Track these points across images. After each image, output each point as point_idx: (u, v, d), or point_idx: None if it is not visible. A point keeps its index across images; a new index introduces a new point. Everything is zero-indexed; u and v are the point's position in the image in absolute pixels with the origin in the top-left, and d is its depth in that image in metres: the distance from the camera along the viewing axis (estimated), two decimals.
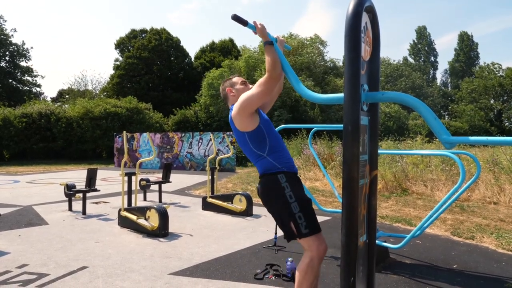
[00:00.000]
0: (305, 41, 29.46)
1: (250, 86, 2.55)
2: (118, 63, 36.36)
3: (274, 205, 2.34)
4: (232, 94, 2.55)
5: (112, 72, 36.26)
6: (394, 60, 50.43)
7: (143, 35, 36.73)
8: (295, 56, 27.40)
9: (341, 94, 1.69)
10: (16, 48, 34.60)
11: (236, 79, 2.61)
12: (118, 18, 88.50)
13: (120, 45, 37.28)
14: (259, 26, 2.21)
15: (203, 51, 39.12)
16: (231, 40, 39.30)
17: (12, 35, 34.63)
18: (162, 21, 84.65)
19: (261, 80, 2.25)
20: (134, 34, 37.15)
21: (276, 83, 2.24)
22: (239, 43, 43.91)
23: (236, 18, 2.14)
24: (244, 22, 2.17)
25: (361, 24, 1.63)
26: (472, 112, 40.14)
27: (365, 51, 1.86)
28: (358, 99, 1.62)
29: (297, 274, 2.28)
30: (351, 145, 1.63)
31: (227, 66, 26.59)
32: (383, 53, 58.07)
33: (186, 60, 37.41)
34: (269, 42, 2.21)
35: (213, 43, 39.33)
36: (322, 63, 30.56)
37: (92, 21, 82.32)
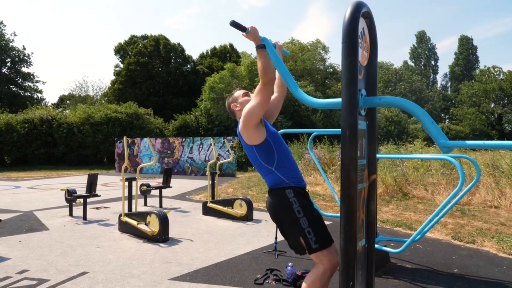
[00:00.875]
0: (308, 46, 29.53)
1: (252, 95, 2.54)
2: (118, 69, 36.49)
3: (283, 220, 2.31)
4: (238, 108, 2.53)
5: (113, 77, 36.41)
6: (393, 65, 50.55)
7: (144, 40, 36.91)
8: (296, 61, 27.48)
9: (339, 99, 1.70)
10: (17, 54, 34.75)
11: (237, 93, 2.59)
12: (119, 23, 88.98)
13: (120, 50, 37.46)
14: (249, 28, 2.20)
15: (202, 56, 39.30)
16: (231, 45, 39.48)
17: (12, 39, 34.80)
18: (162, 26, 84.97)
19: (256, 89, 2.25)
20: (134, 40, 37.33)
21: (271, 88, 2.24)
22: (239, 49, 44.05)
23: (234, 24, 2.15)
24: (242, 28, 2.18)
25: (358, 30, 1.64)
26: (473, 116, 40.13)
27: (363, 56, 1.87)
28: (356, 104, 1.63)
29: (303, 285, 2.26)
30: (349, 149, 1.63)
31: (229, 70, 26.64)
32: (383, 57, 58.28)
33: (187, 65, 37.55)
34: (261, 46, 2.20)
35: (214, 48, 39.51)
36: (322, 68, 30.64)
37: (92, 26, 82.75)
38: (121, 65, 36.47)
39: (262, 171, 2.42)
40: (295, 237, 2.27)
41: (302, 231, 2.22)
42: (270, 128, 2.42)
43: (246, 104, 2.40)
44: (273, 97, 2.71)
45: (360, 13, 1.65)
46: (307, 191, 2.45)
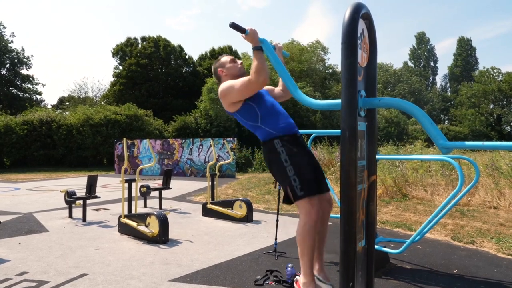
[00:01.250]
0: (308, 47, 29.61)
1: (239, 61, 2.64)
2: (118, 70, 36.50)
3: (274, 170, 2.41)
4: (224, 74, 2.63)
5: (112, 79, 36.43)
6: (392, 66, 50.63)
7: (143, 42, 36.92)
8: (295, 62, 27.53)
9: (339, 100, 1.71)
10: (16, 56, 34.75)
11: (224, 59, 2.67)
12: (118, 25, 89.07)
13: (118, 52, 37.45)
14: (249, 30, 2.23)
15: (202, 58, 39.32)
16: (229, 47, 39.52)
17: (11, 40, 34.81)
18: (162, 28, 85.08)
19: (244, 80, 2.31)
20: (131, 42, 37.34)
21: (259, 88, 2.31)
22: (239, 50, 44.10)
23: (234, 26, 2.16)
24: (242, 30, 2.19)
25: (357, 31, 1.65)
26: (472, 117, 40.19)
27: (362, 57, 1.88)
28: (355, 105, 1.64)
29: (297, 242, 2.36)
30: (349, 150, 1.64)
31: None
32: (383, 58, 58.36)
33: (186, 67, 37.58)
34: (258, 48, 2.23)
35: (213, 49, 39.53)
36: (322, 69, 30.70)
37: (92, 27, 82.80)
38: (120, 67, 36.46)
39: (251, 129, 2.50)
40: (284, 187, 2.36)
41: (288, 179, 2.30)
42: None
43: (233, 70, 2.54)
44: (276, 90, 2.78)
45: (359, 15, 1.66)
46: (299, 135, 2.48)
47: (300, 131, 4.84)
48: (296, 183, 2.27)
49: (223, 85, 2.43)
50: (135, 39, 37.60)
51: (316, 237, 2.36)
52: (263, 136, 2.44)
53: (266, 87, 2.79)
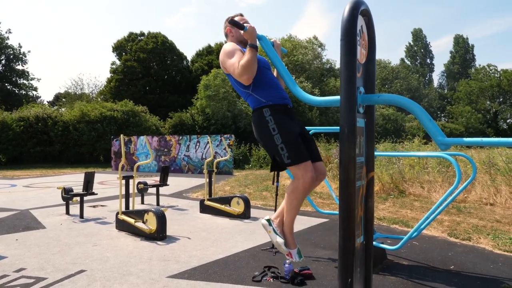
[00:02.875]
0: (305, 43, 29.59)
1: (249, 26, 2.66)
2: (114, 66, 36.33)
3: (262, 139, 2.41)
4: (232, 34, 2.67)
5: (109, 75, 36.28)
6: (390, 62, 50.67)
7: (141, 37, 36.75)
8: (290, 57, 27.48)
9: (338, 97, 1.71)
10: (12, 52, 34.50)
11: (237, 18, 2.67)
12: (116, 22, 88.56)
13: (118, 48, 37.26)
14: (248, 27, 2.25)
15: (199, 54, 39.17)
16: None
17: (7, 37, 34.54)
18: (160, 25, 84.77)
19: (234, 64, 2.37)
20: (132, 37, 37.15)
21: (238, 79, 2.37)
22: None
23: (233, 22, 2.16)
24: (241, 27, 2.19)
25: (356, 28, 1.65)
26: (468, 114, 40.35)
27: (361, 54, 1.88)
28: (354, 102, 1.64)
29: (285, 198, 2.43)
30: (348, 147, 1.64)
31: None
32: (380, 56, 58.36)
33: (184, 63, 37.44)
34: (253, 46, 2.25)
35: (209, 46, 39.38)
36: (319, 65, 30.66)
37: (89, 25, 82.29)
38: (118, 62, 36.28)
39: (243, 95, 2.52)
40: (271, 155, 2.38)
41: (276, 147, 2.31)
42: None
43: (240, 35, 2.57)
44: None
45: (358, 11, 1.65)
46: (290, 107, 2.48)
47: None
48: (283, 152, 2.28)
49: (225, 48, 2.48)
50: (137, 34, 37.38)
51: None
52: (253, 104, 2.46)
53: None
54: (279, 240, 2.49)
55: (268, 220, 2.57)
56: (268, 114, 2.35)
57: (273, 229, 2.51)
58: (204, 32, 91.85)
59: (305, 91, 1.92)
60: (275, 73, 2.82)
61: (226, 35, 2.72)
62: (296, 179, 2.32)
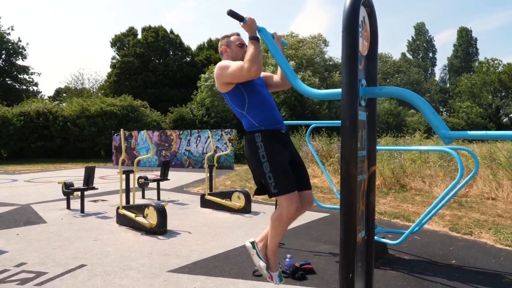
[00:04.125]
0: (309, 39, 29.47)
1: (246, 48, 2.59)
2: (114, 61, 36.23)
3: (251, 163, 2.40)
4: (226, 54, 2.61)
5: (109, 70, 36.18)
6: (391, 57, 50.43)
7: (144, 32, 36.60)
8: (297, 51, 27.28)
9: (339, 90, 1.68)
10: (12, 46, 34.39)
11: (234, 38, 2.62)
12: (116, 17, 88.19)
13: (117, 42, 37.12)
14: (247, 18, 2.20)
15: (200, 48, 39.02)
16: None
17: (9, 33, 34.42)
18: (160, 19, 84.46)
19: (238, 65, 2.29)
20: (131, 32, 37.00)
21: (250, 78, 2.28)
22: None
23: (232, 13, 2.11)
24: (240, 18, 2.15)
25: (358, 19, 1.62)
26: (469, 109, 40.19)
27: (363, 46, 1.84)
28: (356, 94, 1.60)
29: (270, 225, 2.46)
30: (349, 141, 1.61)
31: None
32: (382, 50, 58.08)
33: (185, 58, 37.31)
34: (254, 37, 2.20)
35: (210, 40, 39.20)
36: (322, 62, 30.53)
37: (89, 20, 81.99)
38: (118, 57, 36.18)
39: (238, 115, 2.49)
40: (257, 179, 2.38)
41: (264, 175, 2.30)
42: None
43: (236, 54, 2.53)
44: (274, 77, 2.74)
45: (360, 1, 1.62)
46: (283, 132, 2.45)
47: (298, 122, 4.82)
48: (271, 180, 2.27)
49: (219, 64, 2.43)
50: (137, 29, 37.28)
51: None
52: (246, 126, 2.43)
53: (265, 73, 2.76)
54: (262, 264, 2.54)
55: (252, 243, 2.59)
56: (259, 140, 2.32)
57: (257, 252, 2.56)
58: (204, 26, 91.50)
59: (312, 87, 1.88)
60: (278, 72, 2.78)
61: (221, 54, 2.65)
62: (281, 208, 2.33)
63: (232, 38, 2.60)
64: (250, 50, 2.22)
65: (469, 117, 39.08)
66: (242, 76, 2.28)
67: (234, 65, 2.34)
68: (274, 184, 2.26)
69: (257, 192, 2.42)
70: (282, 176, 2.28)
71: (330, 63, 31.67)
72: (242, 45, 2.58)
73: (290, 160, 2.40)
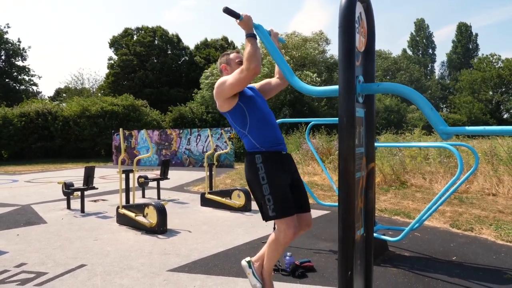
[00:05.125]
0: (313, 35, 29.40)
1: None
2: (112, 61, 36.23)
3: (251, 184, 2.38)
4: (226, 72, 2.57)
5: (107, 70, 36.19)
6: (392, 53, 50.33)
7: (140, 32, 36.60)
8: (298, 50, 27.19)
9: (336, 86, 1.66)
10: (11, 47, 34.37)
11: (233, 55, 2.58)
12: (115, 16, 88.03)
13: (114, 43, 37.13)
14: (243, 15, 2.17)
15: (198, 48, 39.00)
16: (225, 38, 39.16)
17: (6, 31, 34.38)
18: (159, 18, 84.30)
19: (237, 70, 2.26)
20: (128, 33, 37.00)
21: (252, 77, 2.24)
22: (237, 39, 43.61)
23: (227, 11, 2.10)
24: (236, 15, 2.13)
25: (355, 14, 1.60)
26: (470, 105, 40.13)
27: (360, 42, 1.83)
28: (353, 91, 1.59)
29: (267, 242, 2.44)
30: (347, 137, 1.60)
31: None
32: (382, 47, 58.06)
33: (184, 57, 37.28)
34: (251, 35, 2.18)
35: (205, 40, 39.15)
36: (325, 59, 30.45)
37: (88, 20, 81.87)
38: (115, 57, 36.19)
39: (239, 135, 2.46)
40: (258, 202, 2.35)
41: (263, 197, 2.28)
42: (245, 93, 2.42)
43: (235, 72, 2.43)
44: (273, 80, 2.72)
45: None
46: (284, 153, 2.42)
47: (297, 120, 4.81)
48: (269, 203, 2.26)
49: (218, 81, 2.38)
50: (134, 29, 37.22)
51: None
52: (247, 146, 2.41)
53: (261, 82, 2.72)
54: (258, 284, 2.52)
55: (249, 262, 2.59)
56: (260, 161, 2.30)
57: (253, 272, 2.55)
58: (203, 25, 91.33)
59: (315, 85, 1.87)
60: (276, 70, 2.76)
61: (221, 71, 2.62)
62: (278, 231, 2.32)
63: (231, 55, 2.57)
64: (247, 48, 2.19)
65: (471, 113, 39.02)
66: (243, 78, 2.22)
67: (232, 74, 2.31)
68: (273, 207, 2.25)
69: (263, 217, 2.39)
70: (281, 199, 2.26)
71: (332, 61, 31.56)
72: (242, 62, 2.51)
73: (290, 182, 2.38)
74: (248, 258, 2.62)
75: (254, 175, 2.32)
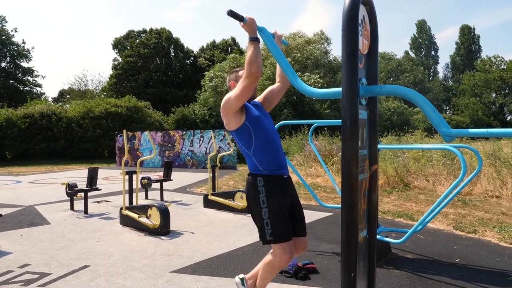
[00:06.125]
0: (314, 36, 29.39)
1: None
2: (116, 63, 36.39)
3: (251, 205, 2.38)
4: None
5: (111, 71, 36.37)
6: (395, 55, 50.22)
7: (142, 35, 36.79)
8: (302, 52, 27.17)
9: (339, 89, 1.67)
10: (16, 48, 34.60)
11: (242, 73, 2.53)
12: (118, 17, 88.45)
13: (118, 45, 37.31)
14: (247, 18, 2.16)
15: (202, 50, 39.12)
16: (233, 39, 39.26)
17: (13, 35, 34.65)
18: (161, 19, 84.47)
19: (240, 81, 2.24)
20: (131, 35, 37.19)
21: (254, 82, 2.22)
22: (241, 40, 43.64)
23: (232, 13, 2.10)
24: (240, 18, 2.14)
25: (358, 17, 1.61)
26: (474, 106, 39.98)
27: (363, 44, 1.84)
28: (357, 93, 1.60)
29: (261, 267, 2.43)
30: (350, 139, 1.61)
31: (231, 59, 26.50)
32: (384, 48, 57.92)
33: (188, 59, 37.40)
34: (254, 39, 2.17)
35: (214, 41, 39.29)
36: (327, 60, 30.38)
37: (92, 21, 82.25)
38: (119, 59, 36.35)
39: (243, 154, 2.45)
40: (256, 224, 2.35)
41: (261, 220, 2.28)
42: (252, 112, 2.39)
43: None
44: (275, 86, 2.71)
45: (360, 0, 1.61)
46: (285, 177, 2.41)
47: (299, 121, 4.81)
48: (268, 227, 2.26)
49: (223, 99, 2.35)
50: (137, 31, 37.42)
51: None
52: (250, 168, 2.40)
53: (263, 95, 2.68)
54: None
55: (242, 280, 2.59)
56: (261, 185, 2.31)
57: None
58: (205, 26, 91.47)
59: (318, 87, 1.87)
60: (277, 71, 2.74)
61: (229, 88, 2.58)
62: (274, 255, 2.32)
63: (240, 73, 2.53)
64: (248, 53, 2.18)
65: (474, 115, 38.88)
66: (247, 85, 2.20)
67: (236, 87, 2.29)
68: (271, 231, 2.26)
69: (261, 239, 2.38)
70: (279, 224, 2.27)
71: (335, 62, 31.48)
72: None
73: (289, 206, 2.39)
74: (241, 275, 2.62)
75: (254, 197, 2.32)
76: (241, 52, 32.04)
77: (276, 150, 2.40)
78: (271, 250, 2.37)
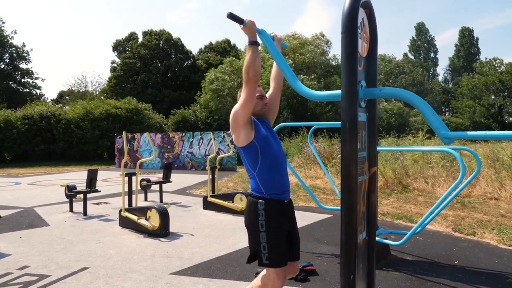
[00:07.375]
0: (313, 37, 29.37)
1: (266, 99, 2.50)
2: (115, 65, 36.44)
3: (249, 227, 2.36)
4: None
5: (110, 74, 36.42)
6: (394, 57, 50.30)
7: (145, 36, 36.87)
8: (296, 54, 27.21)
9: (339, 91, 1.68)
10: (15, 50, 34.60)
11: None
12: (118, 18, 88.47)
13: (118, 46, 37.37)
14: (247, 21, 2.16)
15: (201, 52, 39.20)
16: (227, 41, 39.32)
17: (12, 37, 34.67)
18: (162, 20, 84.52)
19: (242, 90, 2.23)
20: (133, 37, 37.26)
21: (254, 85, 2.18)
22: (239, 43, 43.73)
23: (231, 16, 2.11)
24: (240, 21, 2.14)
25: (357, 20, 1.62)
26: (473, 109, 40.04)
27: (362, 47, 1.84)
28: (356, 96, 1.61)
29: (256, 279, 2.41)
30: (349, 142, 1.61)
31: (228, 63, 26.48)
32: (384, 50, 58.06)
33: (187, 61, 37.45)
34: (253, 42, 2.16)
35: (210, 43, 39.37)
36: (325, 62, 30.35)
37: (92, 21, 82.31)
38: (118, 60, 36.40)
39: (248, 173, 2.42)
40: (251, 246, 2.33)
41: (259, 244, 2.26)
42: (261, 131, 2.35)
43: (255, 106, 2.37)
44: (269, 92, 2.68)
45: (359, 3, 1.62)
46: (286, 201, 2.38)
47: (299, 123, 4.83)
48: (264, 251, 2.25)
49: (231, 114, 2.31)
50: (138, 33, 37.65)
51: None
52: (253, 188, 2.38)
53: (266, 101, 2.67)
54: None
55: None
56: (262, 208, 2.28)
57: None
58: (206, 28, 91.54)
59: (315, 89, 1.88)
60: (273, 71, 2.73)
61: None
62: (267, 278, 2.32)
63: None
64: (247, 57, 2.16)
65: (473, 117, 38.93)
66: (249, 90, 2.18)
67: (240, 99, 2.28)
68: (267, 255, 2.25)
69: (249, 260, 2.35)
70: (276, 250, 2.26)
71: (334, 63, 31.39)
72: (262, 97, 2.46)
73: (287, 230, 2.38)
74: None
75: (254, 219, 2.30)
76: (238, 57, 31.67)
77: (281, 173, 2.37)
78: (264, 271, 2.35)
